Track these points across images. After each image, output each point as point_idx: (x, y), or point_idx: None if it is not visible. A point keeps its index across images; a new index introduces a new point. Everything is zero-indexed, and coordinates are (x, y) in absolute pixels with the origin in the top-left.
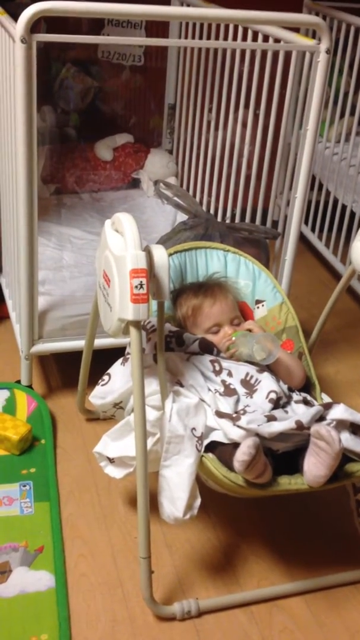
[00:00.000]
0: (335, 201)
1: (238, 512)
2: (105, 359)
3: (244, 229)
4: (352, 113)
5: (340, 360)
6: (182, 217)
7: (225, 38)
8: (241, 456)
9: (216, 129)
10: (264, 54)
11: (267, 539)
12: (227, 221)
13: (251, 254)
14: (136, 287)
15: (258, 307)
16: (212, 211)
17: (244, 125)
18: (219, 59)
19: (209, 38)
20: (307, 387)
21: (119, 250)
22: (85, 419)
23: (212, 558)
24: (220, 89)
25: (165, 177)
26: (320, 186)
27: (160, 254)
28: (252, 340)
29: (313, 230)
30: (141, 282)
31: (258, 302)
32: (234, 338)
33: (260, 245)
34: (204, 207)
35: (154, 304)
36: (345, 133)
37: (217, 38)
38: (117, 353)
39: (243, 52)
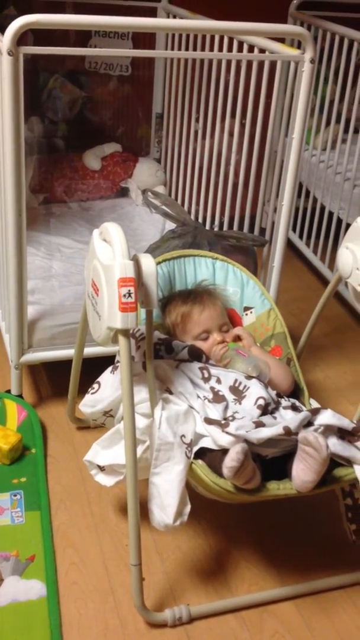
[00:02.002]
0: (323, 208)
1: (229, 518)
2: (95, 367)
3: (232, 237)
4: (338, 121)
5: (330, 365)
6: (170, 225)
7: (212, 49)
8: (230, 462)
9: (203, 138)
10: (249, 64)
11: (257, 544)
12: (215, 229)
13: (239, 262)
14: (124, 295)
15: (246, 314)
16: (200, 219)
17: (231, 134)
18: (205, 69)
19: (195, 49)
20: (295, 392)
21: (107, 260)
22: (75, 428)
23: (203, 564)
24: (206, 98)
25: (154, 186)
26: (308, 193)
27: (148, 262)
28: (249, 362)
29: (301, 237)
30: (129, 290)
31: (246, 309)
32: (230, 348)
33: (248, 253)
34: (193, 216)
35: (143, 313)
36: (331, 141)
37: (203, 48)
38: (107, 361)
39: (229, 62)
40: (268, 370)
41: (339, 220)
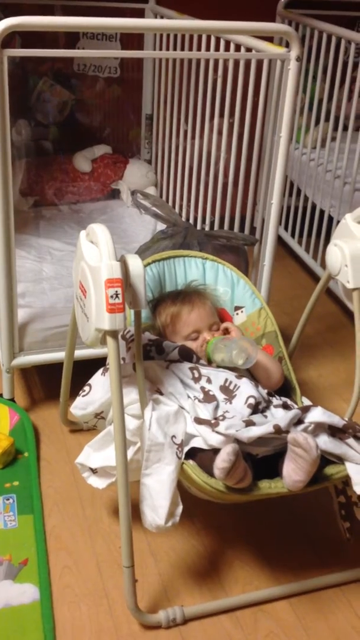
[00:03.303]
0: (314, 206)
1: (222, 518)
2: (88, 369)
3: (222, 237)
4: (327, 119)
5: (323, 364)
6: (161, 226)
7: (199, 48)
8: (221, 463)
9: (193, 138)
10: (236, 63)
11: (251, 544)
12: (206, 229)
13: (230, 261)
14: (112, 296)
15: (237, 314)
16: (191, 220)
17: (220, 133)
18: (193, 69)
19: (183, 49)
20: (287, 391)
21: (94, 261)
22: (68, 431)
23: (197, 565)
24: (195, 98)
25: (145, 187)
26: (299, 192)
27: (135, 263)
28: (231, 344)
29: (293, 235)
30: (116, 291)
31: (237, 308)
32: (212, 345)
33: (239, 252)
34: (183, 216)
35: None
36: (321, 139)
37: (190, 48)
38: (100, 363)
39: (217, 61)
40: (254, 347)
41: (330, 218)
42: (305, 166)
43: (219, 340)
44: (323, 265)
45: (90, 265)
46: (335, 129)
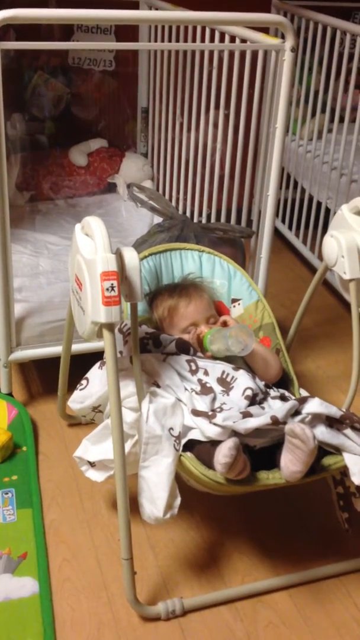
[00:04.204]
0: (311, 198)
1: (221, 510)
2: (85, 363)
3: (219, 229)
4: (323, 111)
5: (321, 355)
6: (158, 219)
7: (194, 40)
8: (223, 459)
9: (188, 130)
10: (231, 54)
11: (250, 535)
12: (203, 221)
13: (227, 254)
14: (107, 289)
15: (234, 306)
16: (188, 212)
17: (215, 125)
18: (189, 61)
19: (178, 41)
20: (285, 383)
21: (89, 254)
22: (66, 425)
23: (196, 557)
24: (190, 91)
25: (141, 181)
26: (296, 184)
27: (131, 256)
28: (227, 332)
29: (290, 228)
30: (112, 284)
31: (234, 300)
32: (209, 336)
33: (236, 245)
34: (180, 209)
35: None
36: (317, 131)
37: (185, 40)
38: (97, 357)
39: (212, 53)
40: (250, 336)
41: (327, 210)
42: (301, 158)
43: (216, 330)
44: (321, 257)
45: (85, 258)
46: (332, 120)
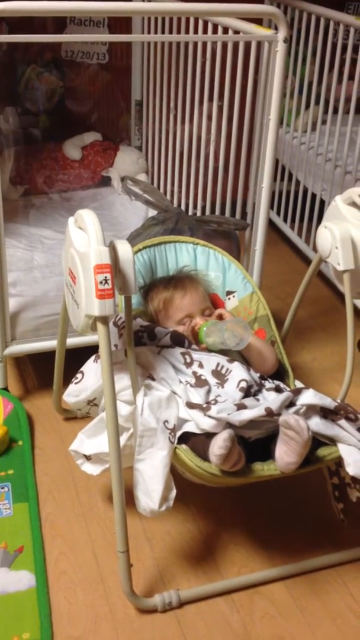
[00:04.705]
0: (306, 190)
1: (218, 502)
2: (81, 357)
3: (213, 222)
4: (318, 102)
5: (317, 347)
6: (153, 213)
7: (187, 32)
8: (217, 450)
9: (182, 123)
10: (224, 46)
11: (247, 527)
12: (198, 214)
13: (222, 246)
14: (101, 282)
15: (229, 298)
16: (182, 205)
17: (209, 118)
18: (182, 53)
19: (171, 33)
20: (280, 375)
21: (82, 247)
22: (62, 419)
23: (192, 549)
24: (184, 83)
25: (136, 174)
26: (290, 176)
27: (124, 248)
28: (223, 326)
29: (285, 220)
30: (106, 277)
31: (229, 293)
32: (204, 328)
33: (231, 237)
34: (175, 202)
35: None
36: (311, 122)
37: (179, 32)
38: (92, 351)
39: (205, 45)
40: (247, 329)
41: (322, 202)
42: (296, 150)
43: (212, 324)
44: (316, 249)
45: (79, 251)
46: (326, 112)
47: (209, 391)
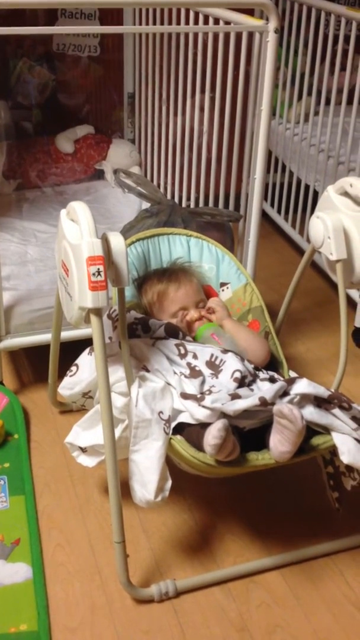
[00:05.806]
0: (299, 181)
1: (213, 492)
2: (76, 350)
3: (206, 213)
4: (310, 93)
5: (311, 338)
6: (146, 205)
7: (179, 23)
8: (212, 440)
9: (175, 115)
10: (216, 37)
11: (242, 516)
12: (191, 206)
13: (216, 238)
14: (93, 274)
15: (223, 290)
16: (175, 197)
17: (201, 109)
18: (173, 45)
19: (162, 24)
20: (274, 365)
21: (75, 239)
22: (58, 412)
23: (188, 539)
24: (176, 75)
25: (129, 167)
26: (284, 167)
27: (117, 240)
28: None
29: (279, 212)
30: (98, 269)
31: (223, 284)
32: (204, 329)
33: (224, 229)
34: (169, 194)
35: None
36: (304, 113)
37: (170, 24)
38: (87, 344)
39: (196, 36)
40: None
41: (315, 193)
42: (289, 141)
43: (211, 333)
44: (309, 240)
45: (71, 243)
46: (318, 103)
47: (203, 382)
